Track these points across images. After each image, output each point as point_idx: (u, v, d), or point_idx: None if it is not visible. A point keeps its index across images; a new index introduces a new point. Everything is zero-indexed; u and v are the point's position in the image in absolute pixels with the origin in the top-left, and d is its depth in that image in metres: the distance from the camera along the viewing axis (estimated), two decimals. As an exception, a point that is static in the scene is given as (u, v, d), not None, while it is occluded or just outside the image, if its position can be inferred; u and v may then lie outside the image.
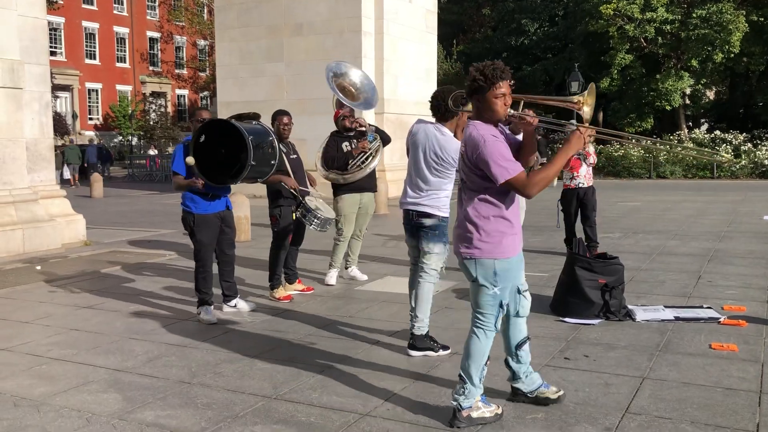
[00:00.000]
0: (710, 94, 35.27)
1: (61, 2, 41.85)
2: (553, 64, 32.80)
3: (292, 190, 6.05)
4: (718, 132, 26.78)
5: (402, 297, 6.20)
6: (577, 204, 8.03)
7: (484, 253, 3.32)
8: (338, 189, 6.77)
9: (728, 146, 25.02)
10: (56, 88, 39.94)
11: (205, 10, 47.71)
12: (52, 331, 5.36)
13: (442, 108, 4.45)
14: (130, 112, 45.71)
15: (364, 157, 6.66)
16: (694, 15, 26.65)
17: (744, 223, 11.16)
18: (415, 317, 4.55)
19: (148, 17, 50.59)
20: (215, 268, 5.75)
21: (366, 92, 7.10)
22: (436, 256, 4.52)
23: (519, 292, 3.47)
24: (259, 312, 5.87)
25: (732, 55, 26.83)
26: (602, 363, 4.34)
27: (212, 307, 5.64)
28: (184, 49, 52.17)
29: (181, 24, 49.57)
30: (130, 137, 45.88)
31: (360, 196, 6.81)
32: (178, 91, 53.01)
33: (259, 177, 5.56)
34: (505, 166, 3.18)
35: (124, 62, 49.58)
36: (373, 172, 6.90)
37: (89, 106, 47.45)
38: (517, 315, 3.53)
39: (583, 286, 5.36)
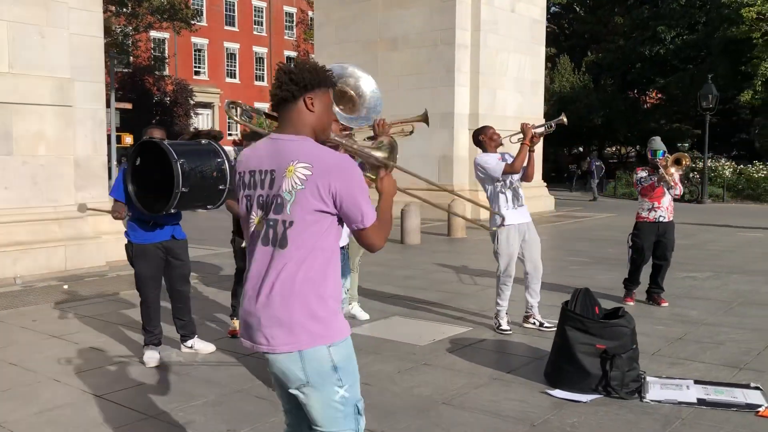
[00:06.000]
0: None
1: (204, 24, 44.42)
2: (690, 75, 29.94)
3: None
4: None
5: (406, 347, 5.34)
6: (653, 241, 6.69)
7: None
8: (325, 218, 6.00)
9: None
10: (198, 105, 42.35)
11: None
12: (-11, 365, 5.02)
13: None
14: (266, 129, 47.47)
15: None
16: None
17: None
18: None
19: (286, 37, 52.41)
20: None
21: (369, 106, 6.26)
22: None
23: None
24: (224, 352, 5.23)
25: None
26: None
27: (157, 348, 5.06)
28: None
29: (315, 43, 50.87)
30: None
31: (349, 226, 5.99)
32: (313, 107, 54.40)
33: (208, 204, 4.94)
34: None
35: (263, 81, 51.57)
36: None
37: (228, 122, 49.83)
38: None
39: (576, 351, 4.23)
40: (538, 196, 18.80)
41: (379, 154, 2.51)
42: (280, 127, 2.32)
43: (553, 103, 33.49)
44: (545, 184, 19.62)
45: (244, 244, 5.26)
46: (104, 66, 10.22)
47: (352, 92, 6.50)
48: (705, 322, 6.05)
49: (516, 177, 5.70)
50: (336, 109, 6.05)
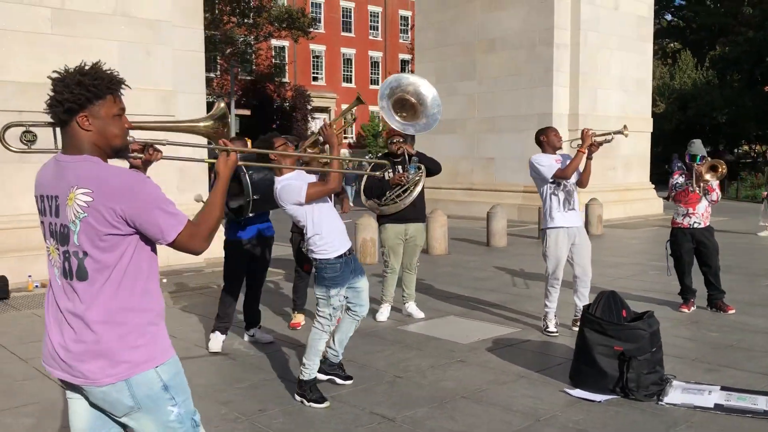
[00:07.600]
0: None
1: (322, 31, 46.08)
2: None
3: None
4: None
5: (449, 344, 5.59)
6: (691, 247, 6.55)
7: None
8: (381, 218, 6.35)
9: None
10: (314, 110, 43.93)
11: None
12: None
13: None
14: (379, 130, 48.53)
15: (401, 190, 6.14)
16: None
17: None
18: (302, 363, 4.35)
19: (401, 40, 53.23)
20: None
21: (429, 114, 6.49)
22: (321, 300, 4.31)
23: None
24: (281, 343, 5.69)
25: None
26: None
27: (223, 335, 5.59)
28: (433, 69, 53.99)
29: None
30: (378, 155, 48.70)
31: (404, 227, 6.30)
32: (426, 110, 54.96)
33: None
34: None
35: (377, 84, 52.58)
36: (421, 201, 6.34)
37: (344, 126, 51.31)
38: None
39: (594, 352, 4.31)
40: (644, 198, 18.19)
41: (203, 124, 2.30)
42: (63, 146, 2.13)
43: (672, 100, 32.00)
44: (653, 186, 18.92)
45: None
46: (205, 77, 11.10)
47: (414, 99, 6.73)
48: (764, 330, 5.84)
49: (570, 181, 5.75)
50: (396, 117, 6.31)
